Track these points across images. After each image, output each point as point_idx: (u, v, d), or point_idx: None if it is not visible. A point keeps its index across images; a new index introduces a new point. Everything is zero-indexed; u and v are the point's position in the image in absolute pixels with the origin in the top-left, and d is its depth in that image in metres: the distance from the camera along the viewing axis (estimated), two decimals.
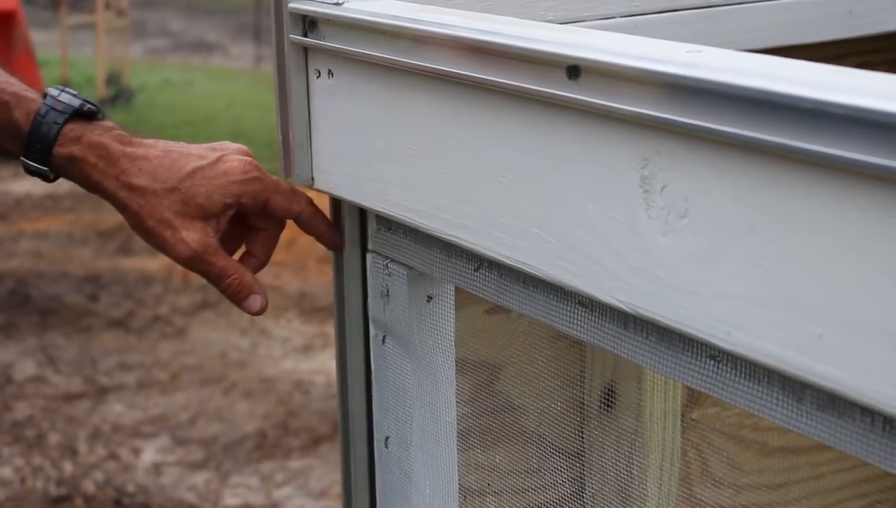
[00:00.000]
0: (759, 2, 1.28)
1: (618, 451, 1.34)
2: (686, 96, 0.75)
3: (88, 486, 4.01)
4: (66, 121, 1.12)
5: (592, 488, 1.36)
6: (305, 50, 1.13)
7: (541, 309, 0.96)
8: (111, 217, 6.80)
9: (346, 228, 1.18)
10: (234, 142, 1.20)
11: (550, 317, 0.95)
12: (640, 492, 1.34)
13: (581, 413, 1.34)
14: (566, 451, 1.35)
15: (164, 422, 4.48)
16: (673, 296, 0.80)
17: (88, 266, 6.16)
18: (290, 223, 1.20)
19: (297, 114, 1.14)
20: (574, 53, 0.84)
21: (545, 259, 0.91)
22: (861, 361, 0.68)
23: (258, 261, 1.20)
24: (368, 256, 1.17)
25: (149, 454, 4.24)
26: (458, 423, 1.19)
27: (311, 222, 1.18)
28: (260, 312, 1.18)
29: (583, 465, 1.36)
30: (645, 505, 1.34)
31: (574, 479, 1.36)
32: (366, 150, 1.08)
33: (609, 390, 1.33)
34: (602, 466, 1.35)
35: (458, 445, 1.19)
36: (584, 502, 1.36)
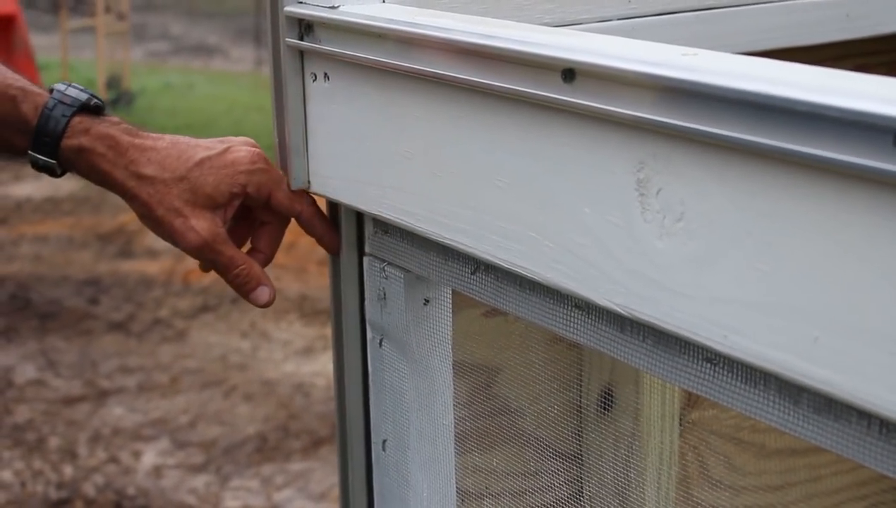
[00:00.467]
0: (756, 4, 1.27)
1: (615, 453, 1.34)
2: (682, 99, 0.75)
3: (89, 489, 4.01)
4: (73, 114, 1.12)
5: (590, 490, 1.36)
6: (301, 53, 1.12)
7: (537, 312, 0.96)
8: (111, 220, 6.80)
9: (343, 231, 1.18)
10: None
11: (547, 320, 0.95)
12: (638, 494, 1.34)
13: (579, 415, 1.34)
14: (564, 454, 1.35)
15: (164, 425, 4.47)
16: (669, 300, 0.80)
17: (89, 269, 6.16)
18: (290, 225, 1.20)
19: (294, 118, 1.14)
20: (569, 56, 0.84)
21: (542, 262, 0.90)
22: (857, 365, 0.68)
23: (264, 257, 1.20)
24: (365, 259, 1.17)
25: (149, 457, 4.24)
26: (455, 426, 1.18)
27: (311, 222, 1.18)
28: (267, 304, 1.18)
29: (580, 468, 1.36)
30: None
31: (572, 482, 1.36)
32: (362, 154, 1.08)
33: (607, 392, 1.33)
34: (600, 468, 1.34)
35: (455, 448, 1.19)
36: (581, 504, 1.36)
